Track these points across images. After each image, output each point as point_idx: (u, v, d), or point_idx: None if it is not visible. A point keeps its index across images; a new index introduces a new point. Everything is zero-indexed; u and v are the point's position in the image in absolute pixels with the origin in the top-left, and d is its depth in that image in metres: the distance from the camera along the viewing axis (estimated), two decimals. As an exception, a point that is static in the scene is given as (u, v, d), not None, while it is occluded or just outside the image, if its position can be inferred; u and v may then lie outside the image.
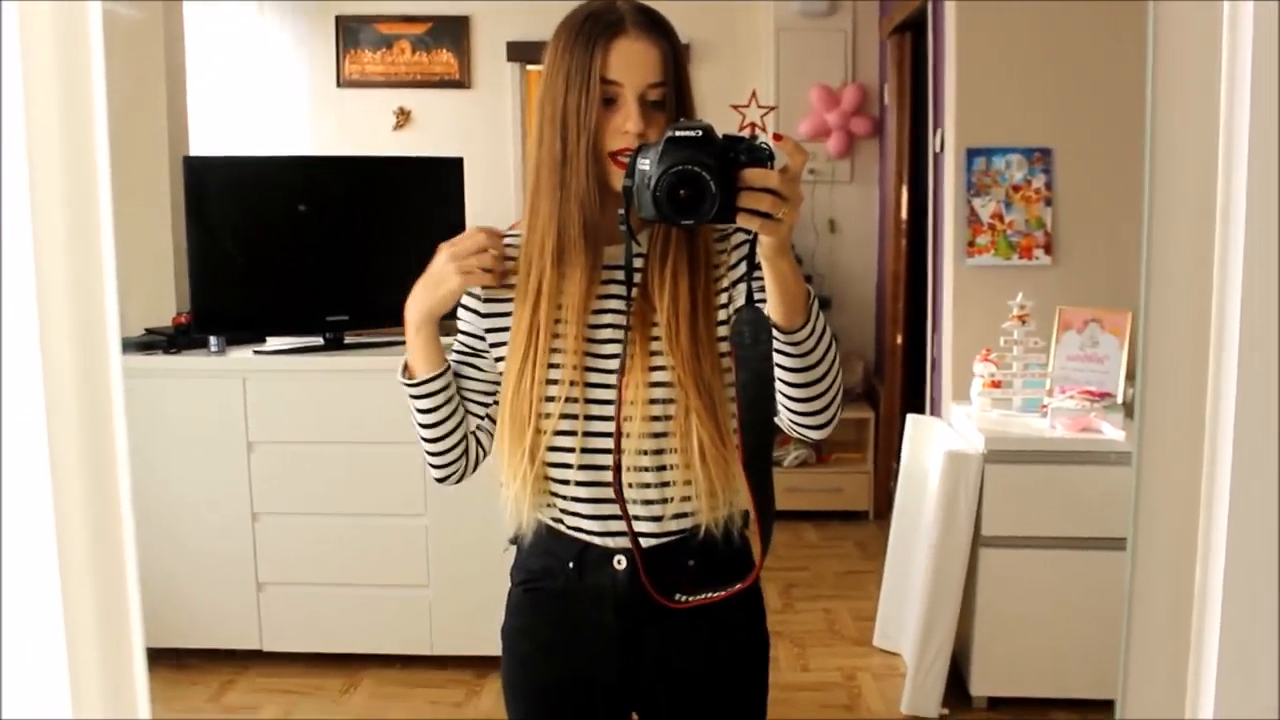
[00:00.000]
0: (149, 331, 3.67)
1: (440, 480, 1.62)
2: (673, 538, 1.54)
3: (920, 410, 4.15)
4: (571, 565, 1.57)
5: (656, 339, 1.49)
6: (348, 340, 3.68)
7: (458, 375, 1.60)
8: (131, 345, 3.58)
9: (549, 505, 1.57)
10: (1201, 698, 0.81)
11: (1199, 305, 0.77)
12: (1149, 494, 0.80)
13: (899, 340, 5.02)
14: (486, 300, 1.58)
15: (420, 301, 1.52)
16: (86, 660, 0.76)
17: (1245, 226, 0.75)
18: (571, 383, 1.49)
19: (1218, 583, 0.78)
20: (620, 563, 1.54)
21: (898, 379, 5.06)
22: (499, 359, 1.57)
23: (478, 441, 1.62)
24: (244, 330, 3.71)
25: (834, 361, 1.43)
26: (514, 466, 1.52)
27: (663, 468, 1.50)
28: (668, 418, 1.49)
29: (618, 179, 1.42)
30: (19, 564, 0.73)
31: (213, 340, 3.61)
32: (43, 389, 0.72)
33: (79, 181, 0.74)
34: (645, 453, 1.49)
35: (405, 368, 1.56)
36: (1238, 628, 0.78)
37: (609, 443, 1.48)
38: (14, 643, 0.74)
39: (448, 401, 1.57)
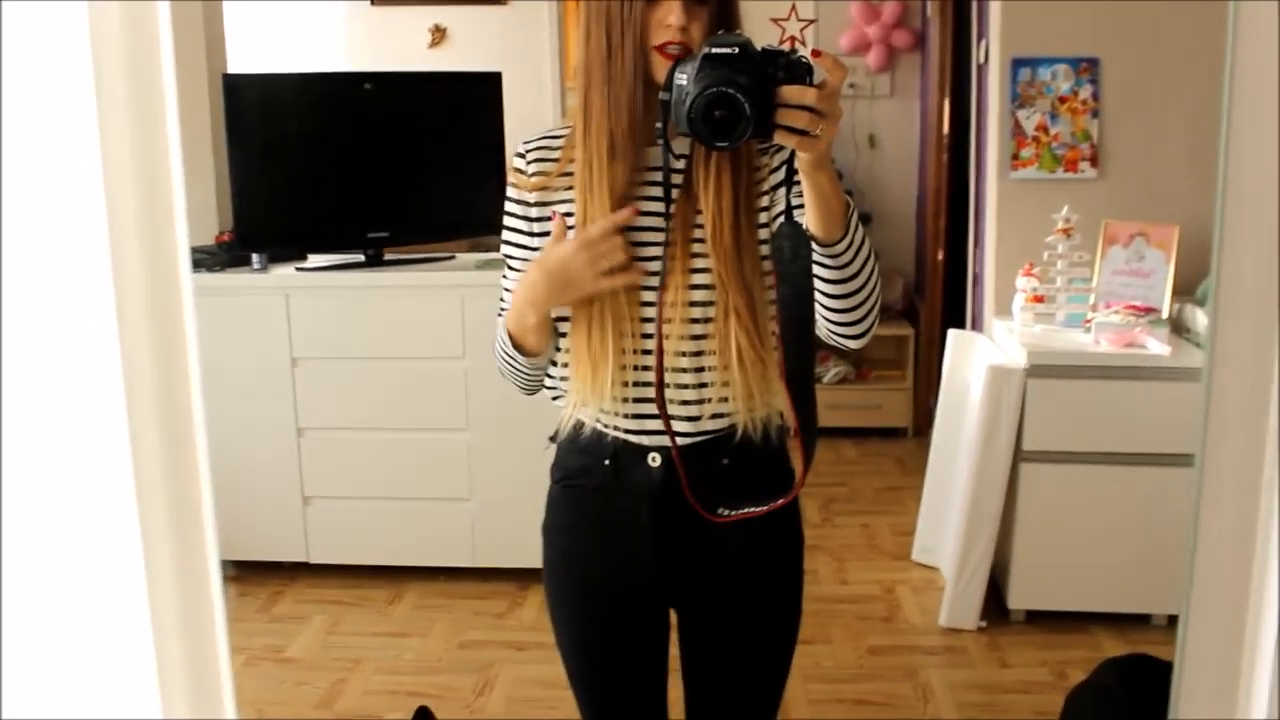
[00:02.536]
0: (192, 250, 3.69)
1: (528, 394, 1.69)
2: (708, 437, 1.55)
3: (961, 327, 4.13)
4: (608, 463, 1.59)
5: (698, 240, 1.50)
6: (388, 257, 3.70)
7: None
8: (175, 263, 3.60)
9: (572, 395, 1.59)
10: (1265, 611, 0.81)
11: (1272, 220, 0.75)
12: (1219, 410, 0.79)
13: (940, 256, 4.98)
14: (537, 204, 1.58)
15: (543, 298, 1.51)
16: (163, 574, 0.77)
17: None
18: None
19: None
20: (655, 460, 1.56)
21: (938, 295, 5.03)
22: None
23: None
24: (286, 247, 3.73)
25: (872, 273, 1.44)
26: (598, 354, 1.53)
27: (701, 369, 1.52)
28: (707, 320, 1.50)
29: (663, 70, 1.43)
30: (97, 499, 0.74)
31: (255, 258, 3.64)
32: (115, 313, 0.73)
33: (144, 97, 0.75)
34: (684, 354, 1.51)
35: (512, 338, 1.58)
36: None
37: (649, 344, 1.49)
38: (92, 574, 0.75)
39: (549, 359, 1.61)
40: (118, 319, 0.73)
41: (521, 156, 1.60)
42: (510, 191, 1.61)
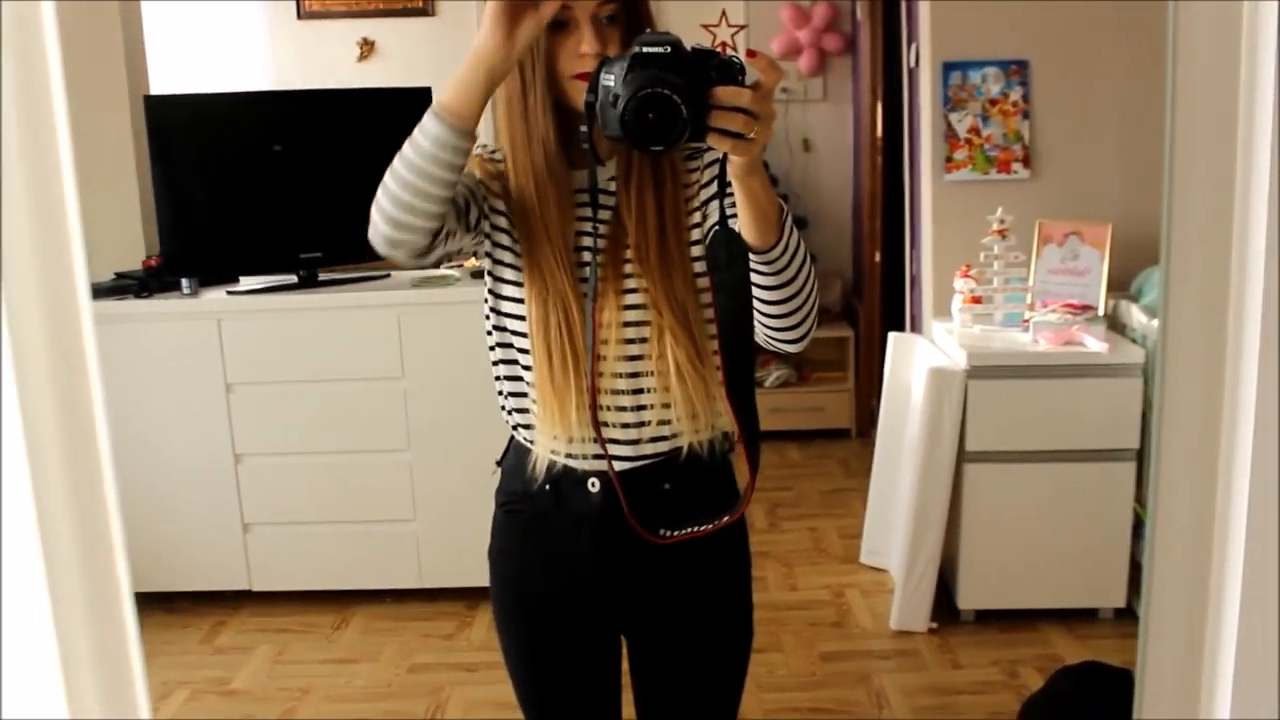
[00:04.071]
0: (119, 276, 3.62)
1: (391, 242, 1.41)
2: (649, 461, 1.53)
3: (900, 328, 4.14)
4: (547, 488, 1.56)
5: (630, 260, 1.48)
6: (322, 277, 3.64)
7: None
8: (102, 290, 3.52)
9: (527, 427, 1.57)
10: (1225, 606, 0.80)
11: (1221, 214, 0.75)
12: (1172, 407, 0.78)
13: (877, 258, 5.01)
14: (483, 181, 1.53)
15: (482, 57, 1.34)
16: (74, 617, 0.74)
17: (1274, 131, 0.72)
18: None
19: (1242, 493, 0.77)
20: (594, 486, 1.54)
21: (877, 297, 5.06)
22: (491, 230, 1.53)
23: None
24: (216, 271, 3.66)
25: (809, 276, 1.41)
26: (563, 396, 1.48)
27: (639, 390, 1.50)
28: (642, 340, 1.48)
29: (582, 98, 1.38)
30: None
31: (185, 282, 3.56)
32: (10, 348, 0.70)
33: (36, 130, 0.71)
34: (620, 375, 1.49)
35: (442, 109, 1.37)
36: (1261, 538, 0.77)
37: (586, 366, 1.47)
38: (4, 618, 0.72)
39: (458, 167, 1.39)
40: (12, 352, 0.70)
41: (484, 147, 1.55)
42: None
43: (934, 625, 3.33)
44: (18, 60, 0.70)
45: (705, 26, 5.15)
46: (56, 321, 0.73)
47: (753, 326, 1.43)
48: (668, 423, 1.51)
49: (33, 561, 0.72)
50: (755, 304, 1.41)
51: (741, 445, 1.45)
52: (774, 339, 1.47)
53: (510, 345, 1.55)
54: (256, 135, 3.59)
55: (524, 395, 1.56)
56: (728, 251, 1.36)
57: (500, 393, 1.60)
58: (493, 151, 1.56)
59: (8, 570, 0.72)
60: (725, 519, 1.50)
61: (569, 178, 1.48)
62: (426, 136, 1.36)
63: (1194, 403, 0.77)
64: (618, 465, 1.51)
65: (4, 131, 0.69)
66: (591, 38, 1.39)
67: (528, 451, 1.58)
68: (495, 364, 1.59)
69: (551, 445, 1.54)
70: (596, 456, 1.50)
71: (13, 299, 0.70)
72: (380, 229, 1.40)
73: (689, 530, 1.49)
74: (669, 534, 1.49)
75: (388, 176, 1.40)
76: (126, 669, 0.78)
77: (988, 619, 3.36)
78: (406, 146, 1.39)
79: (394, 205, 1.38)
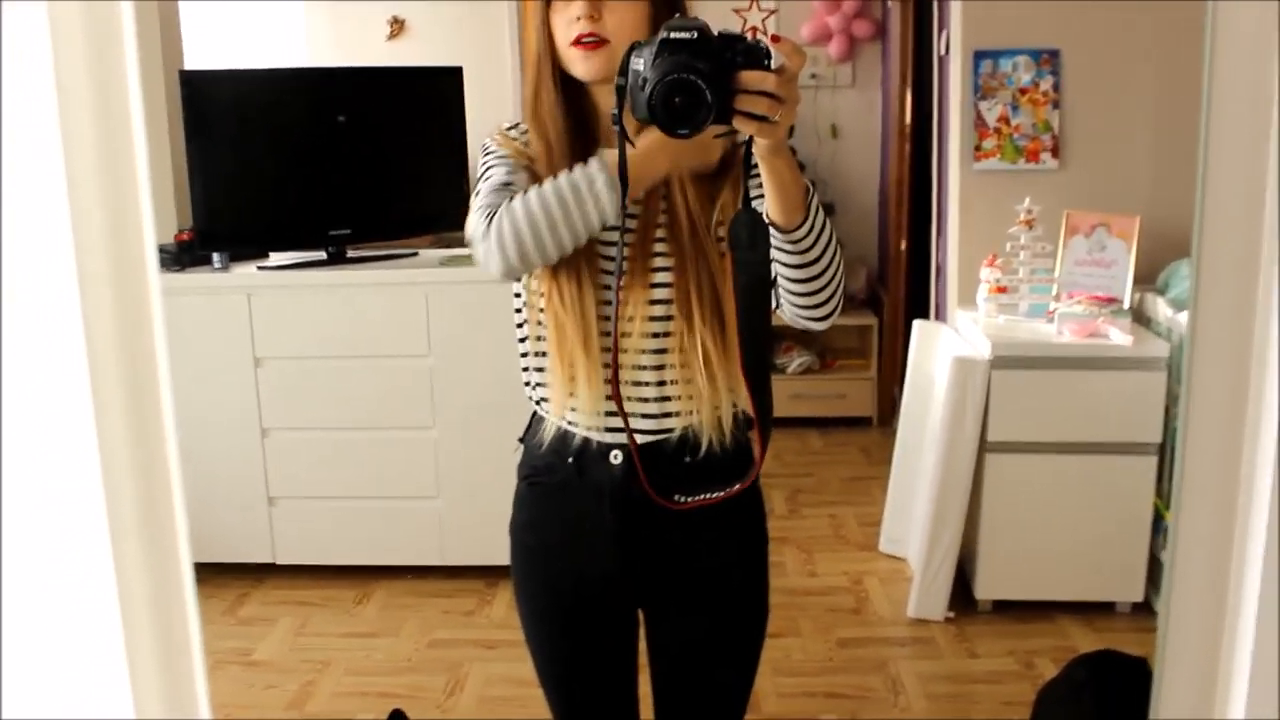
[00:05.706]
0: (151, 249, 3.65)
1: (514, 272, 1.48)
2: (672, 434, 1.56)
3: (924, 316, 4.14)
4: (571, 461, 1.59)
5: (660, 240, 1.50)
6: (350, 254, 3.66)
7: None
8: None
9: (550, 400, 1.59)
10: (1244, 603, 0.81)
11: (1252, 214, 0.75)
12: (1199, 403, 0.79)
13: (903, 246, 5.00)
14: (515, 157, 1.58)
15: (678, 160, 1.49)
16: (133, 574, 0.76)
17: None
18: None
19: (1265, 493, 0.78)
20: (616, 458, 1.56)
21: (901, 285, 5.05)
22: None
23: None
24: (247, 246, 3.68)
25: (835, 255, 1.43)
26: (574, 359, 1.53)
27: (661, 367, 1.53)
28: (668, 318, 1.50)
29: (579, 66, 1.46)
30: (64, 498, 0.73)
31: (216, 257, 3.59)
32: (80, 312, 0.72)
33: (109, 96, 0.73)
34: (645, 352, 1.52)
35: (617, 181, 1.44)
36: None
37: (610, 342, 1.49)
38: (61, 575, 0.74)
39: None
40: (83, 318, 0.71)
41: (514, 127, 1.61)
42: (492, 147, 1.59)
43: (951, 614, 3.35)
44: (92, 26, 0.71)
45: (737, 11, 5.16)
46: (125, 292, 0.75)
47: (770, 307, 1.45)
48: (690, 398, 1.54)
49: (100, 547, 0.74)
50: (782, 282, 1.44)
51: (755, 420, 1.47)
52: (800, 316, 1.49)
53: (540, 323, 1.57)
54: (289, 112, 3.62)
55: (545, 370, 1.59)
56: (750, 231, 1.37)
57: (526, 369, 1.62)
58: (524, 131, 1.59)
59: (75, 533, 0.74)
60: (737, 486, 1.53)
61: (585, 154, 1.51)
62: (598, 201, 1.43)
63: (1220, 403, 0.78)
64: (641, 439, 1.54)
65: (76, 105, 0.70)
66: (583, 2, 1.45)
67: (552, 426, 1.61)
68: (522, 340, 1.62)
69: (563, 412, 1.57)
70: (620, 429, 1.53)
71: (84, 266, 0.71)
72: (511, 260, 1.45)
73: (703, 497, 1.52)
74: (684, 500, 1.52)
75: (539, 216, 1.44)
76: (183, 628, 0.80)
77: (1005, 609, 3.37)
78: (570, 199, 1.44)
79: (537, 248, 1.44)
